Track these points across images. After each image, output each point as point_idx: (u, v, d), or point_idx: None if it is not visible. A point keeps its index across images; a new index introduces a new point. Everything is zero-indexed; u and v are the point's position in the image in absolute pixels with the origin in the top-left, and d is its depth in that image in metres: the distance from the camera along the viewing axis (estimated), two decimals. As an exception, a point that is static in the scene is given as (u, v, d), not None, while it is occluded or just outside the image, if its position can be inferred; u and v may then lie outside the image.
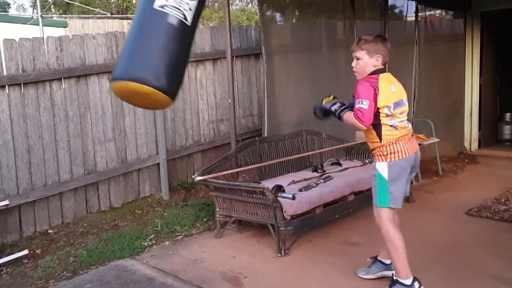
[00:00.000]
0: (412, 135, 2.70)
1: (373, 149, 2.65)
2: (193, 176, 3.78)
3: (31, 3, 20.24)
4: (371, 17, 5.90)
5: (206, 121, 5.29)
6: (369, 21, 5.88)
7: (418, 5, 6.02)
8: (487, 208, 4.17)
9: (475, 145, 6.87)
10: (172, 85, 2.23)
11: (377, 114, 2.53)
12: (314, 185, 3.80)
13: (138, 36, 2.25)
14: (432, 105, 6.30)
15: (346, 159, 4.83)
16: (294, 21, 5.58)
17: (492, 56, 6.95)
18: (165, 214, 4.36)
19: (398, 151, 2.55)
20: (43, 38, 4.06)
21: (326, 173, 4.19)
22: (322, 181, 3.91)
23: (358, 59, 2.63)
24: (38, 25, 9.83)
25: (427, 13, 6.38)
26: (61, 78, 4.09)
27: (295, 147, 4.66)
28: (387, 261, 2.86)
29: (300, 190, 3.67)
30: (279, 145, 4.55)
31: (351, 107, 2.62)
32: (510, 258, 3.16)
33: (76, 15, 15.13)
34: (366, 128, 2.53)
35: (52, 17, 15.06)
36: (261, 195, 3.37)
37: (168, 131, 4.91)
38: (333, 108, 2.66)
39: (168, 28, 2.19)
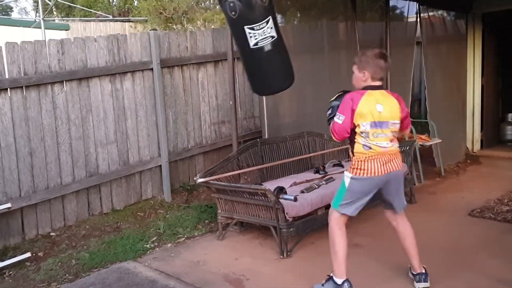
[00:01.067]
0: (395, 156, 2.70)
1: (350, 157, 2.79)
2: (195, 178, 3.78)
3: (33, 7, 20.32)
4: (372, 19, 5.90)
5: (208, 123, 5.29)
6: (371, 22, 5.88)
7: (420, 6, 6.03)
8: (490, 209, 4.16)
9: (477, 146, 6.85)
10: (292, 77, 3.11)
11: (353, 130, 2.64)
12: (316, 186, 3.79)
13: (257, 71, 3.01)
14: (434, 106, 6.29)
15: (348, 160, 4.82)
16: (295, 23, 5.57)
17: (494, 57, 6.94)
18: (167, 216, 4.36)
19: (364, 169, 2.62)
20: (44, 41, 4.07)
21: (328, 175, 4.19)
22: (324, 182, 3.91)
23: (353, 72, 2.76)
24: (40, 28, 9.85)
25: (429, 14, 6.37)
26: (62, 81, 4.10)
27: (297, 149, 4.65)
28: (415, 272, 2.85)
29: (302, 192, 3.67)
30: (281, 147, 4.54)
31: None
32: (513, 259, 3.15)
33: (78, 18, 15.18)
34: (338, 141, 2.76)
35: (54, 20, 15.11)
36: (263, 197, 3.37)
37: (170, 133, 4.91)
38: (327, 113, 2.78)
39: (269, 54, 2.86)
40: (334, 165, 4.55)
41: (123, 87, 4.53)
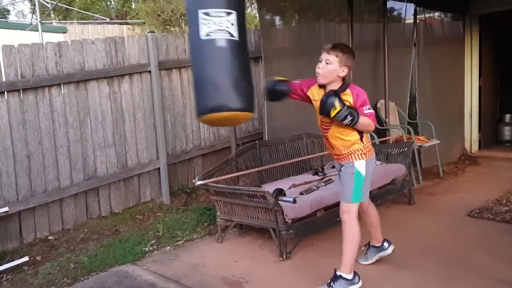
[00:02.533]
0: None
1: (347, 152, 2.73)
2: (193, 181, 3.77)
3: (30, 9, 20.30)
4: (370, 20, 5.91)
5: (206, 126, 5.28)
6: (368, 24, 5.89)
7: (417, 8, 6.04)
8: (489, 210, 4.16)
9: (475, 147, 6.87)
10: (245, 101, 2.37)
11: None
12: (315, 188, 3.79)
13: (200, 70, 2.38)
14: (432, 107, 6.30)
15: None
16: (293, 24, 5.58)
17: (491, 57, 6.97)
18: (166, 219, 4.34)
19: (371, 149, 2.80)
20: (42, 44, 4.06)
21: (327, 176, 4.18)
22: (323, 184, 3.90)
23: (328, 63, 2.64)
24: (38, 31, 9.85)
25: (426, 15, 6.39)
26: (60, 84, 4.09)
27: (296, 151, 4.65)
28: (377, 244, 3.13)
29: (301, 194, 3.66)
30: (280, 149, 4.54)
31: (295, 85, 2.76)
32: (513, 260, 3.15)
33: (76, 21, 15.17)
34: (360, 132, 2.72)
35: (51, 23, 15.09)
36: (262, 199, 3.36)
37: (168, 136, 4.90)
38: (348, 119, 2.59)
39: (220, 51, 2.30)
40: (333, 167, 4.54)
41: (121, 90, 4.52)
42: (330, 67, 2.63)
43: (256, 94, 5.69)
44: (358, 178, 2.71)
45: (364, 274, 3.04)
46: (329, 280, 2.75)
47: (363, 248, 3.15)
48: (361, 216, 2.95)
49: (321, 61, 2.67)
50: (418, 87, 6.03)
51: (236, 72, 2.34)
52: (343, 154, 2.77)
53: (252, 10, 11.50)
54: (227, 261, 3.40)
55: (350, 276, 2.71)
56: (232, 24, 2.32)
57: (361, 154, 2.73)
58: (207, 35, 2.28)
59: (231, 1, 2.34)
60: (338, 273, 2.72)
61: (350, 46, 5.28)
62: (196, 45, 2.37)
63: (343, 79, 2.70)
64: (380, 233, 3.12)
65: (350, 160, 2.74)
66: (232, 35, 2.32)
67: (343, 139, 2.73)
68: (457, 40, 6.67)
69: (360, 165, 2.72)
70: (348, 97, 2.63)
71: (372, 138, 5.17)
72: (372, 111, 2.68)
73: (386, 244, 3.14)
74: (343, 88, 2.67)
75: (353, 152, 2.73)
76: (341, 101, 2.56)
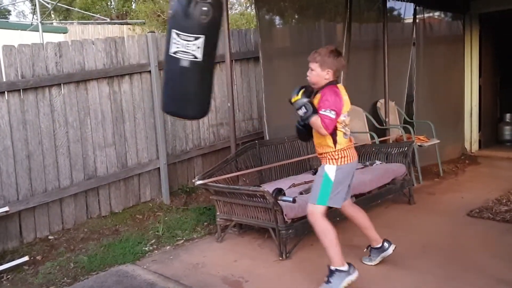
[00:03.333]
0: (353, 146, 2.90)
1: (322, 153, 2.82)
2: (193, 180, 3.78)
3: (31, 10, 20.32)
4: (370, 20, 5.91)
5: (206, 125, 5.29)
6: (368, 23, 5.89)
7: (417, 7, 6.04)
8: (489, 209, 4.16)
9: (475, 146, 6.87)
10: (200, 112, 2.90)
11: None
12: (315, 188, 3.78)
13: (166, 80, 2.83)
14: (432, 107, 6.30)
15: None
16: (291, 24, 5.58)
17: (491, 57, 6.96)
18: (166, 218, 4.35)
19: (346, 156, 2.77)
20: (42, 44, 4.06)
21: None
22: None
23: (312, 70, 2.79)
24: (38, 31, 9.86)
25: (426, 15, 6.39)
26: (60, 84, 4.09)
27: (295, 150, 4.65)
28: (378, 245, 3.14)
29: (301, 193, 3.66)
30: (279, 148, 4.54)
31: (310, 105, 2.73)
32: (512, 259, 3.15)
33: (76, 21, 15.18)
34: (327, 135, 2.71)
35: (52, 23, 15.10)
36: (261, 199, 3.36)
37: (168, 136, 4.90)
38: (302, 112, 2.73)
39: (182, 70, 2.67)
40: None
41: (121, 90, 4.53)
42: (314, 73, 2.78)
43: (256, 95, 5.72)
44: (325, 182, 2.76)
45: (364, 274, 3.05)
46: (326, 278, 2.77)
47: (365, 250, 3.19)
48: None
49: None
50: (417, 86, 6.03)
51: (194, 87, 2.75)
52: (320, 154, 2.86)
53: (251, 10, 11.52)
54: (227, 260, 3.40)
55: (345, 268, 2.74)
56: (199, 47, 2.63)
57: (331, 159, 2.77)
58: (174, 53, 2.64)
59: (203, 27, 2.63)
60: (332, 267, 2.75)
61: (347, 45, 5.29)
62: (166, 57, 2.76)
63: (334, 80, 2.78)
64: (376, 234, 3.14)
65: (323, 162, 2.83)
66: (196, 57, 2.64)
67: (318, 137, 2.80)
68: (457, 40, 6.68)
69: (330, 170, 2.76)
70: (318, 96, 2.77)
71: (372, 137, 5.18)
72: (331, 115, 2.64)
73: (386, 244, 3.15)
74: (321, 89, 2.78)
75: (325, 154, 2.80)
76: (306, 95, 2.71)
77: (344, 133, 2.78)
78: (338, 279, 2.73)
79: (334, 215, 3.67)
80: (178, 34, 2.60)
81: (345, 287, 2.73)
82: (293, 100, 2.75)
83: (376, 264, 3.17)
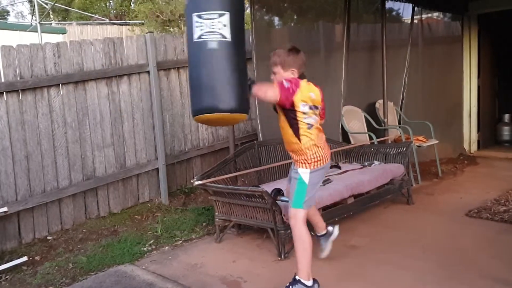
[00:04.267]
0: (327, 143, 2.82)
1: (292, 150, 2.72)
2: (192, 181, 3.78)
3: (29, 10, 20.31)
4: (368, 20, 5.92)
5: (205, 126, 5.28)
6: (367, 24, 5.90)
7: (415, 8, 6.06)
8: (487, 209, 4.17)
9: (474, 147, 6.88)
10: (238, 102, 2.43)
11: (293, 112, 2.61)
12: (314, 188, 3.78)
13: (193, 71, 2.48)
14: (431, 107, 6.31)
15: (345, 162, 4.83)
16: (287, 25, 5.58)
17: (490, 57, 6.98)
18: (165, 219, 4.35)
19: (319, 160, 2.68)
20: (40, 44, 4.06)
21: (325, 176, 4.18)
22: (321, 184, 3.90)
23: (275, 73, 2.71)
24: (37, 32, 9.86)
25: (425, 15, 6.41)
26: (59, 84, 4.09)
27: (294, 151, 4.64)
28: (323, 232, 3.18)
29: (299, 194, 3.65)
30: (278, 149, 4.54)
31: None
32: (511, 260, 3.15)
33: (75, 22, 15.17)
34: (276, 100, 2.56)
35: (50, 24, 15.10)
36: (260, 199, 3.36)
37: (167, 136, 4.91)
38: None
39: (211, 54, 2.37)
40: (331, 167, 4.53)
41: (119, 90, 4.53)
42: (278, 76, 2.70)
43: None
44: (300, 185, 2.70)
45: (363, 274, 3.06)
46: (288, 284, 2.71)
47: (316, 238, 3.15)
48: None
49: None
50: (416, 87, 6.04)
51: (229, 73, 2.40)
52: (291, 151, 2.76)
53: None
54: (226, 261, 3.40)
55: (309, 283, 2.67)
56: (225, 25, 2.36)
57: (304, 162, 2.69)
58: (199, 37, 2.36)
59: (225, 2, 2.38)
60: (297, 277, 2.69)
61: (346, 46, 5.28)
62: (190, 48, 2.46)
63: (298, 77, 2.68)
64: (322, 220, 3.19)
65: (296, 165, 2.74)
66: (224, 37, 2.36)
67: (284, 132, 2.71)
68: (455, 40, 6.69)
69: (304, 173, 2.69)
70: None
71: (370, 138, 5.18)
72: (284, 84, 2.54)
73: (330, 228, 3.19)
74: None
75: (295, 156, 2.72)
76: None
77: (308, 124, 2.65)
78: None
79: (333, 216, 3.69)
80: (200, 16, 2.35)
81: None
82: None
83: (374, 264, 3.17)
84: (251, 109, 5.69)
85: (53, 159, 4.06)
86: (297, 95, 2.59)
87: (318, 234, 3.20)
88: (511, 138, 7.25)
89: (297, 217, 2.71)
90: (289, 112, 2.64)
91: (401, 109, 6.08)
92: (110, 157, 4.46)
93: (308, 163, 2.68)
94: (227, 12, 2.36)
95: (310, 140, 2.67)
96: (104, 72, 4.38)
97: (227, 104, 2.39)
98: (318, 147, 2.69)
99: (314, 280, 2.71)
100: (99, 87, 4.37)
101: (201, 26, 2.34)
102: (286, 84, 2.58)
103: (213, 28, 2.33)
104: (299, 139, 2.66)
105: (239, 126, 5.49)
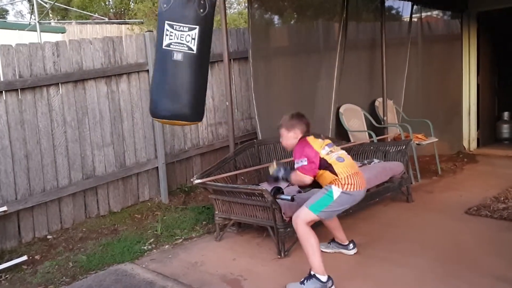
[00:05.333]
0: (360, 172, 3.03)
1: (329, 183, 2.93)
2: (192, 179, 3.78)
3: (29, 10, 20.27)
4: (367, 19, 5.91)
5: (205, 124, 5.29)
6: (366, 22, 5.90)
7: (415, 6, 6.05)
8: (487, 207, 4.17)
9: (473, 145, 6.88)
10: (194, 112, 2.76)
11: (322, 160, 2.90)
12: (313, 186, 3.79)
13: (158, 76, 2.72)
14: (430, 105, 6.31)
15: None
16: (284, 24, 5.57)
17: (489, 55, 6.97)
18: (165, 217, 4.35)
19: (353, 184, 2.89)
20: (40, 43, 4.06)
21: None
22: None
23: (282, 136, 3.09)
24: (36, 31, 9.84)
25: (424, 14, 6.40)
26: (58, 83, 4.09)
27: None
28: (344, 243, 3.32)
29: (299, 192, 3.66)
30: (278, 147, 4.54)
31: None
32: (510, 257, 3.16)
33: (74, 21, 15.15)
34: (313, 178, 2.90)
35: (50, 23, 15.08)
36: (260, 197, 3.37)
37: (166, 135, 4.90)
38: (280, 175, 3.02)
39: (175, 65, 2.62)
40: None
41: (119, 89, 4.52)
42: (284, 138, 3.08)
43: (249, 93, 5.70)
44: (327, 197, 2.87)
45: (363, 272, 3.06)
46: (303, 278, 2.81)
47: (327, 243, 3.37)
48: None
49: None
50: (415, 84, 6.04)
51: (189, 83, 2.67)
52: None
53: (244, 9, 11.52)
54: (226, 259, 3.40)
55: (324, 278, 2.77)
56: (193, 38, 2.61)
57: (338, 183, 2.89)
58: (167, 46, 2.60)
59: (199, 19, 2.60)
60: (312, 272, 2.79)
61: (342, 44, 5.28)
62: (158, 53, 2.68)
63: (303, 136, 3.02)
64: (344, 235, 3.32)
65: (329, 184, 2.93)
66: (190, 49, 2.61)
67: (321, 180, 2.98)
68: (455, 38, 6.69)
69: (336, 191, 2.87)
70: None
71: (370, 136, 5.19)
72: (303, 163, 2.86)
73: (351, 245, 3.33)
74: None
75: (330, 182, 2.93)
76: (281, 165, 3.09)
77: (338, 158, 2.93)
78: (312, 285, 2.77)
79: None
80: (172, 25, 2.57)
81: None
82: (271, 169, 3.09)
83: (375, 262, 3.17)
84: (251, 109, 5.72)
85: (53, 158, 4.06)
86: (317, 152, 2.91)
87: (336, 240, 3.34)
88: (510, 136, 7.26)
89: (302, 218, 2.86)
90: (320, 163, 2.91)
91: (402, 107, 6.09)
92: (109, 156, 4.45)
93: (341, 184, 2.87)
94: (198, 28, 2.61)
95: (345, 171, 2.90)
96: (104, 71, 4.37)
97: (183, 112, 2.73)
98: (352, 176, 2.90)
99: (329, 277, 2.80)
100: (99, 86, 4.37)
101: (171, 35, 2.58)
102: (300, 163, 2.88)
103: (181, 40, 2.59)
104: (336, 175, 2.88)
105: (239, 125, 5.49)
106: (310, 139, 3.00)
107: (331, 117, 5.26)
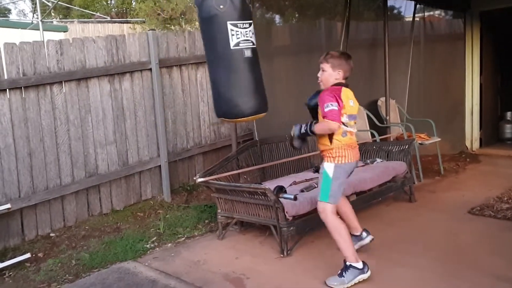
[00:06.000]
0: (357, 145, 3.02)
1: (322, 150, 2.95)
2: (194, 178, 3.78)
3: (31, 8, 20.31)
4: (370, 18, 5.91)
5: (207, 123, 5.29)
6: (369, 22, 5.89)
7: (418, 5, 6.04)
8: (490, 207, 4.17)
9: (476, 144, 6.86)
10: (266, 102, 2.83)
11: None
12: (316, 185, 3.78)
13: (233, 77, 2.70)
14: (433, 105, 6.30)
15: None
16: (285, 24, 5.57)
17: (492, 55, 6.95)
18: (167, 216, 4.35)
19: (344, 156, 2.87)
20: (43, 41, 4.06)
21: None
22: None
23: (323, 70, 2.96)
24: (39, 30, 9.86)
25: (427, 13, 6.39)
26: (61, 82, 4.10)
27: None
28: (356, 233, 3.27)
29: (302, 191, 3.67)
30: (280, 146, 4.55)
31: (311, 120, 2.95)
32: (513, 257, 3.15)
33: (76, 20, 15.17)
34: (339, 125, 2.80)
35: (52, 22, 15.11)
36: (262, 196, 3.37)
37: (169, 134, 4.91)
38: (303, 129, 2.96)
39: (248, 62, 2.67)
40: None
41: (122, 88, 4.53)
42: (325, 73, 2.94)
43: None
44: (325, 178, 2.88)
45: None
46: (340, 271, 2.86)
47: None
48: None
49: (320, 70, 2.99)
50: (418, 84, 6.02)
51: (260, 78, 2.75)
52: (321, 151, 2.99)
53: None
54: (228, 258, 3.41)
55: (359, 265, 2.84)
56: (253, 33, 2.68)
57: (329, 156, 2.88)
58: (236, 45, 2.62)
59: (251, 13, 2.70)
60: (348, 263, 2.85)
61: (345, 44, 5.28)
62: (225, 55, 2.68)
63: (342, 82, 2.93)
64: (357, 222, 3.27)
65: (324, 160, 2.94)
66: (254, 43, 2.67)
67: (320, 138, 2.95)
68: (457, 38, 6.67)
69: (328, 167, 2.88)
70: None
71: (372, 136, 5.18)
72: (332, 107, 2.76)
73: (364, 233, 3.28)
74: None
75: (324, 152, 2.92)
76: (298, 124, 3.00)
77: (343, 132, 2.86)
78: (351, 275, 2.83)
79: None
80: (235, 25, 2.60)
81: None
82: (292, 135, 3.02)
83: (377, 261, 3.16)
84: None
85: (56, 156, 4.07)
86: (343, 109, 2.82)
87: (351, 233, 3.23)
88: (513, 136, 7.24)
89: (326, 211, 2.87)
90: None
91: (406, 107, 6.08)
92: (112, 155, 4.46)
93: (333, 157, 2.86)
94: (252, 23, 2.68)
95: (340, 143, 2.86)
96: (107, 69, 4.38)
97: (263, 104, 2.79)
98: (346, 148, 2.87)
99: (364, 263, 2.86)
100: (102, 84, 4.37)
101: (237, 34, 2.61)
102: (331, 106, 2.77)
103: (246, 36, 2.64)
104: (330, 142, 2.86)
105: (241, 124, 5.49)
106: (346, 93, 2.88)
107: None
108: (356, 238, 3.26)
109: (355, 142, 2.98)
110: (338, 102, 2.78)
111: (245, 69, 2.68)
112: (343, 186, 2.98)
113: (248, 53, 2.64)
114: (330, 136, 2.85)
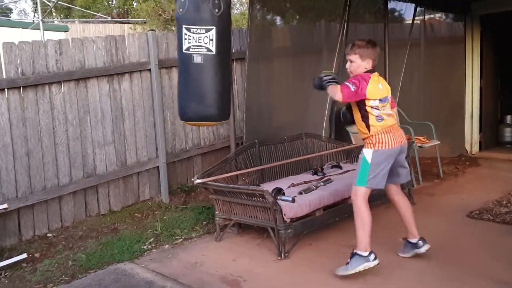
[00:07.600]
0: (399, 127, 3.04)
1: (363, 139, 3.03)
2: (192, 179, 3.77)
3: (32, 8, 20.32)
4: (369, 21, 5.90)
5: (206, 124, 5.28)
6: (370, 24, 5.88)
7: (418, 8, 6.04)
8: (489, 211, 4.15)
9: (476, 148, 6.85)
10: (220, 111, 2.85)
11: (364, 106, 2.91)
12: (314, 188, 3.78)
13: (182, 80, 2.82)
14: (432, 108, 6.29)
15: (346, 162, 4.82)
16: (284, 26, 5.56)
17: (492, 58, 6.95)
18: (165, 217, 4.34)
19: (383, 142, 2.91)
20: (42, 41, 4.06)
21: (326, 176, 4.18)
22: (322, 184, 3.89)
23: (351, 61, 2.98)
24: (39, 29, 9.86)
25: (427, 16, 6.38)
26: (60, 82, 4.09)
27: (295, 150, 4.64)
28: (413, 240, 3.20)
29: (300, 193, 3.65)
30: (279, 148, 4.53)
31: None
32: (511, 261, 3.14)
33: (77, 20, 15.19)
34: (341, 101, 2.90)
35: (53, 21, 15.12)
36: (260, 198, 3.36)
37: (168, 134, 4.90)
38: (324, 78, 2.97)
39: (196, 67, 2.67)
40: (332, 167, 4.54)
41: (121, 88, 4.52)
42: (354, 64, 2.97)
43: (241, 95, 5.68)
44: (364, 164, 2.93)
45: (363, 274, 3.04)
46: (348, 259, 2.95)
47: (401, 240, 3.30)
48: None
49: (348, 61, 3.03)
50: (418, 87, 6.02)
51: (212, 85, 2.73)
52: (362, 140, 3.06)
53: (246, 10, 11.54)
54: (226, 259, 3.39)
55: (365, 254, 2.90)
56: (211, 39, 2.64)
57: (369, 143, 2.95)
58: (187, 49, 2.64)
59: (215, 20, 2.64)
60: (354, 251, 2.92)
61: (342, 46, 5.28)
62: (179, 58, 2.75)
63: (371, 69, 2.96)
64: (415, 228, 3.19)
65: (365, 147, 3.00)
66: (210, 50, 2.64)
67: (357, 123, 3.02)
68: (458, 41, 6.66)
69: (367, 153, 2.94)
70: None
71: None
72: (350, 87, 2.82)
73: (421, 242, 3.19)
74: None
75: (365, 140, 3.00)
76: (330, 74, 3.01)
77: (377, 116, 2.90)
78: (355, 262, 2.90)
79: (334, 215, 3.68)
80: (189, 29, 2.61)
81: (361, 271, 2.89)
82: (323, 72, 3.03)
83: (377, 265, 3.15)
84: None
85: (54, 156, 4.06)
86: (367, 91, 2.85)
87: (407, 239, 3.24)
88: (513, 139, 7.23)
89: (357, 194, 2.95)
90: (361, 105, 2.93)
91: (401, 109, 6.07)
92: (111, 155, 4.45)
93: (372, 143, 2.92)
94: (215, 28, 2.64)
95: (377, 129, 2.91)
96: (106, 69, 4.37)
97: (209, 112, 2.81)
98: (385, 132, 2.91)
99: (371, 252, 2.91)
100: (101, 84, 4.36)
101: (189, 39, 2.62)
102: (351, 86, 2.84)
103: (199, 42, 2.62)
104: (368, 130, 2.93)
105: (240, 125, 5.47)
106: (375, 77, 2.93)
107: (325, 119, 5.24)
108: (412, 245, 3.19)
109: (394, 125, 2.99)
110: (358, 88, 2.81)
111: (193, 74, 2.69)
112: (384, 173, 2.95)
113: (197, 59, 2.64)
114: (367, 124, 2.92)
